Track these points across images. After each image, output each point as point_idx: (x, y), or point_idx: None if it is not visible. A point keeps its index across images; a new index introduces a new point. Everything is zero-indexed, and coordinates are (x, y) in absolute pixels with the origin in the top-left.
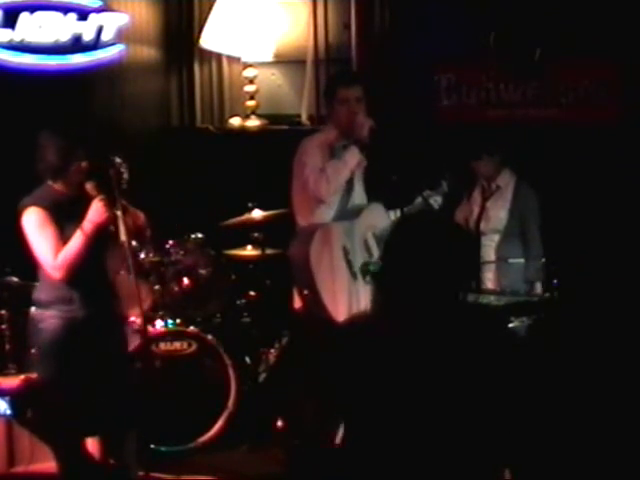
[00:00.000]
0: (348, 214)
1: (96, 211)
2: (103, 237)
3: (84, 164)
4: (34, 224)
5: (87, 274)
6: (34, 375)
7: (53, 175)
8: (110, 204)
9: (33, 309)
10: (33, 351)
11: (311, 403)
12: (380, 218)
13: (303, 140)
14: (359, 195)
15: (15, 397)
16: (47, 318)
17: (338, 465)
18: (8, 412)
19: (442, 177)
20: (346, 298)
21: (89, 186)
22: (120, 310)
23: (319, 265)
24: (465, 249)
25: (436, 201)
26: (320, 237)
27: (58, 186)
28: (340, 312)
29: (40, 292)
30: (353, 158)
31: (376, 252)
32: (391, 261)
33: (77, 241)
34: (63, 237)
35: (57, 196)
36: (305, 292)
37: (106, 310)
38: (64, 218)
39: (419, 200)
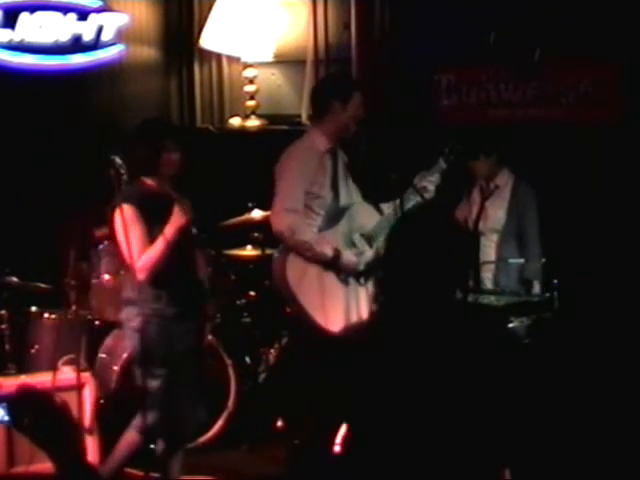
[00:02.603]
0: (339, 213)
1: (176, 215)
2: (190, 236)
3: (174, 156)
4: (124, 222)
5: (175, 273)
6: (32, 379)
7: (146, 170)
8: (186, 207)
9: (124, 310)
10: (136, 352)
11: (311, 403)
12: (369, 217)
13: (288, 149)
14: (346, 195)
15: (12, 404)
16: (136, 317)
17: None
18: (5, 419)
19: (439, 153)
20: (340, 307)
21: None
22: (206, 308)
23: (300, 284)
24: (464, 247)
25: (431, 182)
26: (296, 257)
27: (150, 181)
28: (332, 322)
29: (130, 291)
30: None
31: (366, 249)
32: (391, 262)
33: (158, 246)
34: (151, 237)
35: (149, 192)
36: (288, 310)
37: (194, 308)
38: (153, 216)
39: (410, 190)
